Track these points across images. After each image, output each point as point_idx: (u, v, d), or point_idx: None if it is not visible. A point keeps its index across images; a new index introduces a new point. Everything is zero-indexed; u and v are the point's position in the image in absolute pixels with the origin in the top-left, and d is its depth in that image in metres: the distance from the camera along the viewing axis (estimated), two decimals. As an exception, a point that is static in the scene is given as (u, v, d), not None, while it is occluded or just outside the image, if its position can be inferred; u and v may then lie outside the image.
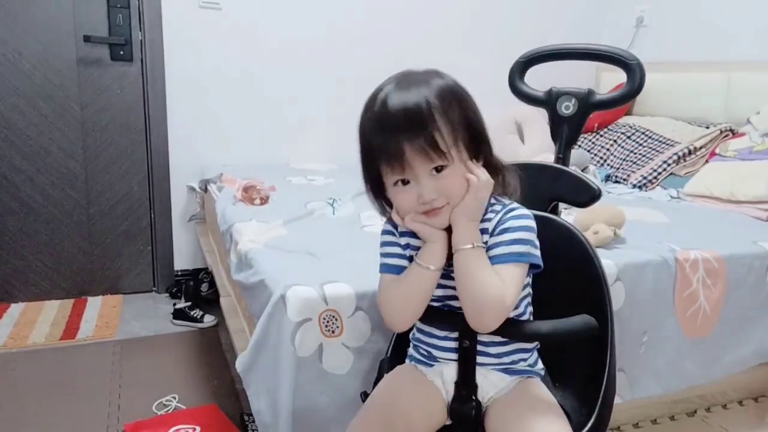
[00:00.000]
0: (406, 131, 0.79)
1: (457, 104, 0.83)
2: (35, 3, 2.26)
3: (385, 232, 0.95)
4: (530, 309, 0.97)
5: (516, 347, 0.94)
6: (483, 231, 0.87)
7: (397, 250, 0.93)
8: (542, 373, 0.98)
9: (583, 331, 0.87)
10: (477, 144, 0.85)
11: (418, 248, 0.90)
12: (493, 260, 0.85)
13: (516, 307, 0.92)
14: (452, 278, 0.88)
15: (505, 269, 0.84)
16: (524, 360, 0.95)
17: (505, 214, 0.88)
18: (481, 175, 0.84)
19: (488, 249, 0.86)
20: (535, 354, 0.98)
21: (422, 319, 0.92)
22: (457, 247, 0.84)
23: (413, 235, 0.91)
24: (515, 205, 0.90)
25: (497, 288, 0.82)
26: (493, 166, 0.88)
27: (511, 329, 0.89)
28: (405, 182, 0.83)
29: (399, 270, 0.91)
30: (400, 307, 0.89)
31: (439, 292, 0.91)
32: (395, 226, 0.93)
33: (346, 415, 1.14)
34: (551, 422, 0.86)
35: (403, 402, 0.91)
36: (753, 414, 1.81)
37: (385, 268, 0.93)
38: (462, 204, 0.84)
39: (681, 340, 1.54)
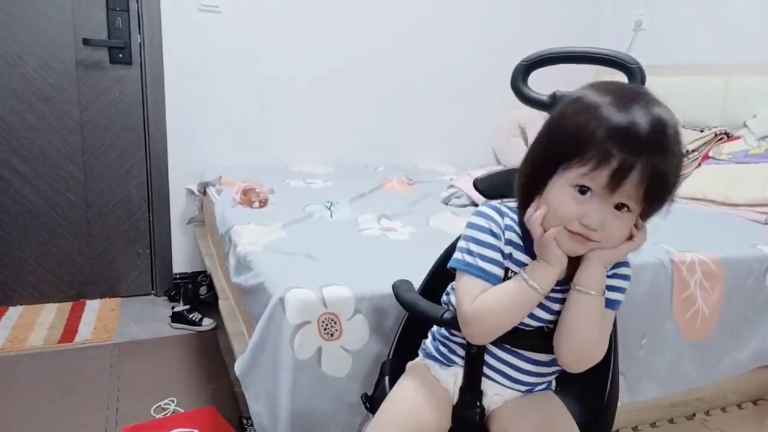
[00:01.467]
0: (650, 150, 0.71)
1: (682, 153, 0.75)
2: (35, 6, 2.26)
3: (485, 230, 0.86)
4: None
5: (535, 381, 0.93)
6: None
7: (498, 256, 0.85)
8: (553, 390, 0.99)
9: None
10: (660, 202, 0.77)
11: (517, 262, 0.85)
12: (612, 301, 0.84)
13: None
14: (542, 308, 0.85)
15: (610, 316, 0.84)
16: (540, 385, 0.96)
17: (620, 266, 0.86)
18: (644, 235, 0.80)
19: (609, 290, 0.84)
20: (553, 380, 0.98)
21: (439, 323, 0.91)
22: (581, 289, 0.80)
23: (525, 250, 0.85)
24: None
25: (602, 347, 0.82)
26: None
27: (519, 339, 0.88)
28: (583, 192, 0.75)
29: (495, 280, 0.84)
30: (499, 321, 0.83)
31: (534, 321, 0.88)
32: (501, 227, 0.86)
33: (344, 418, 1.14)
34: (566, 424, 0.87)
35: (420, 410, 0.91)
36: (752, 417, 1.81)
37: (480, 273, 0.84)
38: (613, 251, 0.79)
39: (680, 343, 1.54)
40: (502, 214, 0.87)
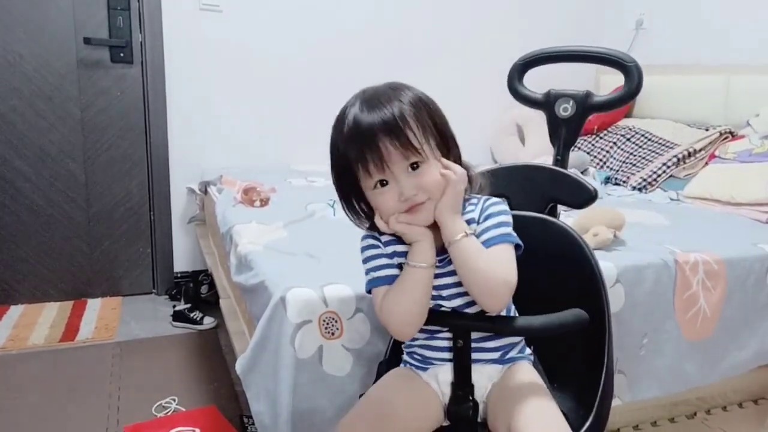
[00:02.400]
0: (382, 132, 0.84)
1: (425, 109, 0.89)
2: (36, 5, 2.26)
3: (367, 247, 0.96)
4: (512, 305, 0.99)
5: (507, 341, 0.96)
6: (470, 221, 0.91)
7: (385, 260, 0.93)
8: (531, 358, 1.00)
9: (575, 325, 0.86)
10: (447, 145, 0.90)
11: (403, 254, 0.92)
12: (486, 244, 0.88)
13: None
14: (441, 276, 0.91)
15: (499, 249, 0.88)
16: (514, 348, 0.97)
17: (485, 202, 0.93)
18: (456, 169, 0.87)
19: (478, 236, 0.90)
20: (522, 340, 1.00)
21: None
22: (451, 240, 0.86)
23: (398, 241, 0.93)
24: (489, 196, 0.95)
25: (502, 266, 0.86)
26: (463, 167, 0.91)
27: (503, 325, 0.89)
28: (383, 184, 0.86)
29: (392, 280, 0.91)
30: (405, 314, 0.88)
31: (447, 292, 0.92)
32: (377, 238, 0.95)
33: (345, 417, 1.14)
34: (539, 405, 0.87)
35: (396, 402, 0.92)
36: (753, 416, 1.80)
37: (377, 282, 0.92)
38: (443, 199, 0.86)
39: (681, 343, 1.54)
40: (373, 231, 0.96)
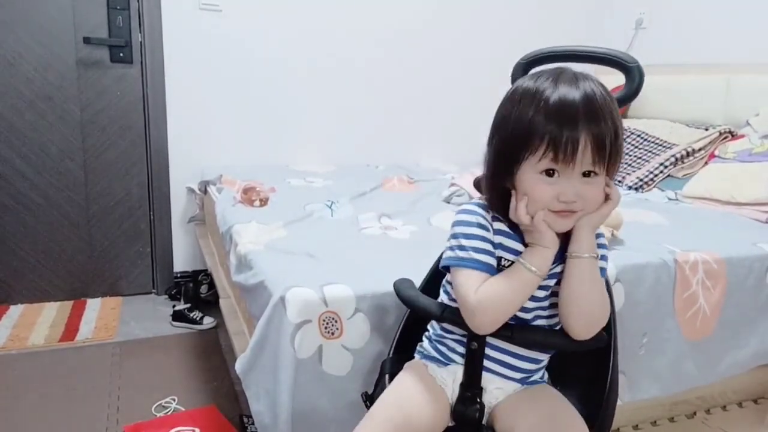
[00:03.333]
0: (586, 121, 0.78)
1: (618, 115, 0.82)
2: (35, 5, 2.26)
3: (474, 224, 0.88)
4: None
5: (534, 367, 0.95)
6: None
7: (489, 247, 0.88)
8: (547, 381, 1.00)
9: (594, 347, 0.87)
10: (615, 165, 0.84)
11: (509, 250, 0.89)
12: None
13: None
14: (544, 289, 0.90)
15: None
16: (535, 373, 0.97)
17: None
18: (618, 191, 0.85)
19: None
20: (544, 367, 1.00)
21: (440, 319, 0.93)
22: (577, 254, 0.84)
23: (509, 236, 0.89)
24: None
25: (606, 309, 0.86)
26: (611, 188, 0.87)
27: (521, 335, 0.89)
28: (550, 174, 0.81)
29: (491, 270, 0.87)
30: (502, 309, 0.85)
31: (530, 305, 0.90)
32: (488, 220, 0.89)
33: (345, 417, 1.14)
34: (575, 419, 0.88)
35: (415, 404, 0.91)
36: (752, 416, 1.81)
37: (477, 264, 0.86)
38: (597, 214, 0.84)
39: (681, 342, 1.54)
40: (486, 209, 0.91)
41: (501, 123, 0.85)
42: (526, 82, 0.84)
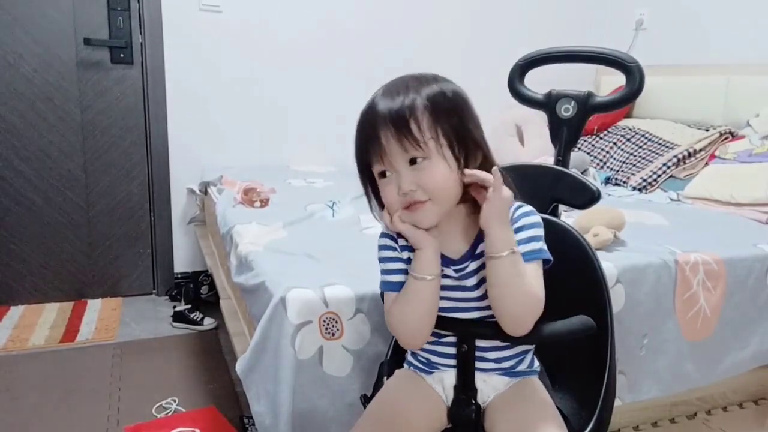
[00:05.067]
0: (385, 121, 0.82)
1: (446, 104, 0.83)
2: (36, 6, 2.26)
3: (384, 247, 0.92)
4: None
5: (515, 351, 0.94)
6: None
7: (399, 265, 0.90)
8: (539, 370, 0.99)
9: (582, 332, 0.87)
10: (466, 147, 0.84)
11: None
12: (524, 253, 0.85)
13: None
14: (458, 289, 0.88)
15: (530, 268, 0.84)
16: (523, 362, 0.96)
17: (515, 211, 0.87)
18: (497, 176, 0.81)
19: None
20: (530, 354, 0.98)
21: None
22: (494, 254, 0.81)
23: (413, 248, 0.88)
24: (520, 203, 0.89)
25: (537, 292, 0.83)
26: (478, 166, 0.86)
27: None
28: (384, 175, 0.85)
29: (401, 287, 0.88)
30: (410, 324, 0.86)
31: (445, 304, 0.89)
32: (394, 239, 0.91)
33: (345, 418, 1.14)
34: (546, 423, 0.86)
35: (404, 407, 0.91)
36: (753, 417, 1.80)
37: (387, 287, 0.90)
38: (488, 205, 0.81)
39: (681, 343, 1.54)
40: (390, 237, 0.92)
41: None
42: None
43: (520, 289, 0.81)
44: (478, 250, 0.88)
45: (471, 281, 0.88)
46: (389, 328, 0.89)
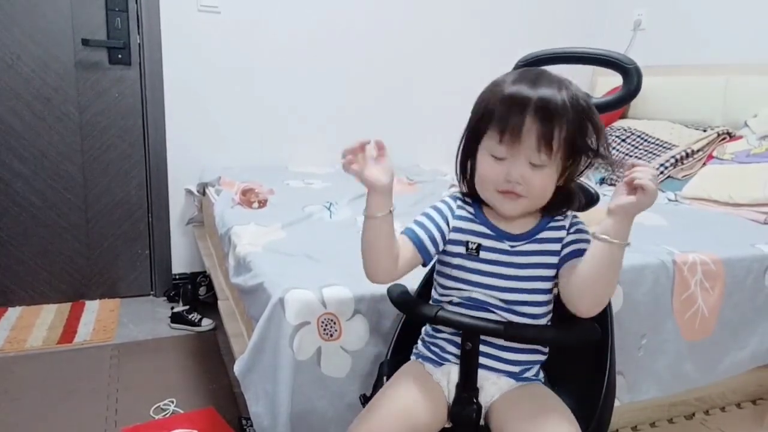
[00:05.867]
0: (534, 113, 0.83)
1: (582, 120, 0.87)
2: (34, 6, 2.26)
3: (435, 209, 0.98)
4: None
5: (529, 359, 0.96)
6: (560, 228, 0.95)
7: (431, 226, 0.95)
8: (542, 381, 1.00)
9: (588, 340, 0.88)
10: (577, 158, 0.89)
11: (473, 233, 0.95)
12: (578, 251, 0.91)
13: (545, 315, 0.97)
14: (509, 265, 0.93)
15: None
16: (528, 370, 0.97)
17: (573, 217, 0.97)
18: (650, 184, 0.80)
19: (576, 242, 0.93)
20: (539, 365, 1.00)
21: (434, 321, 0.93)
22: (616, 241, 0.83)
23: (472, 220, 0.95)
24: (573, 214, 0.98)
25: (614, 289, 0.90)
26: (571, 188, 0.93)
27: (515, 331, 0.89)
28: (499, 159, 0.87)
29: (417, 240, 0.94)
30: (368, 258, 0.92)
31: (488, 281, 0.93)
32: (450, 210, 0.97)
33: (344, 419, 1.14)
34: (560, 419, 0.87)
35: (411, 400, 0.92)
36: (751, 417, 1.81)
37: (407, 231, 0.96)
38: (641, 200, 0.80)
39: (679, 343, 1.54)
40: (455, 199, 1.00)
41: (474, 107, 0.93)
42: (501, 77, 0.91)
43: (615, 279, 0.86)
44: (539, 236, 0.94)
45: (522, 259, 0.93)
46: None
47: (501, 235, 0.94)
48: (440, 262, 0.99)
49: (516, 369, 0.95)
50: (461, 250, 0.95)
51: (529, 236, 0.94)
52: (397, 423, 0.88)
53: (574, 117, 0.85)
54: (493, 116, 0.86)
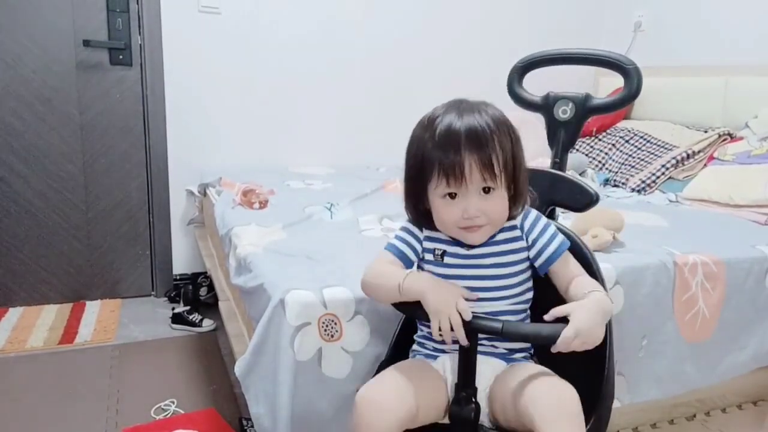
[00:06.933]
0: (469, 148, 0.87)
1: (508, 135, 0.91)
2: (35, 7, 2.26)
3: (407, 230, 1.02)
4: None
5: (516, 346, 1.01)
6: (512, 227, 0.98)
7: (411, 240, 1.01)
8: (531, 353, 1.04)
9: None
10: (516, 174, 0.92)
11: (439, 241, 0.99)
12: (553, 256, 0.96)
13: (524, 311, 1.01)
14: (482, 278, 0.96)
15: (569, 258, 0.97)
16: (517, 351, 1.01)
17: (524, 219, 0.99)
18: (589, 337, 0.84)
19: (540, 253, 0.97)
20: (529, 349, 1.04)
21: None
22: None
23: (449, 243, 0.98)
24: (525, 209, 1.00)
25: None
26: (521, 193, 0.95)
27: (514, 330, 0.89)
28: (452, 197, 0.90)
29: (399, 253, 1.00)
30: (371, 292, 1.00)
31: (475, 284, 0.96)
32: (417, 229, 1.02)
33: (344, 419, 1.14)
34: (553, 380, 0.89)
35: (414, 383, 0.92)
36: (752, 418, 1.81)
37: (391, 247, 1.01)
38: (593, 335, 0.84)
39: (680, 344, 1.54)
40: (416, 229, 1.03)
41: (406, 155, 0.96)
42: (424, 118, 0.95)
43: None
44: (494, 239, 0.97)
45: (480, 261, 0.97)
46: (362, 280, 1.00)
47: (459, 242, 0.98)
48: (419, 267, 1.04)
49: (505, 351, 1.00)
50: (430, 257, 1.00)
51: (487, 241, 0.97)
52: (401, 393, 0.89)
53: (503, 136, 0.89)
54: (433, 163, 0.89)
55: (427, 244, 1.01)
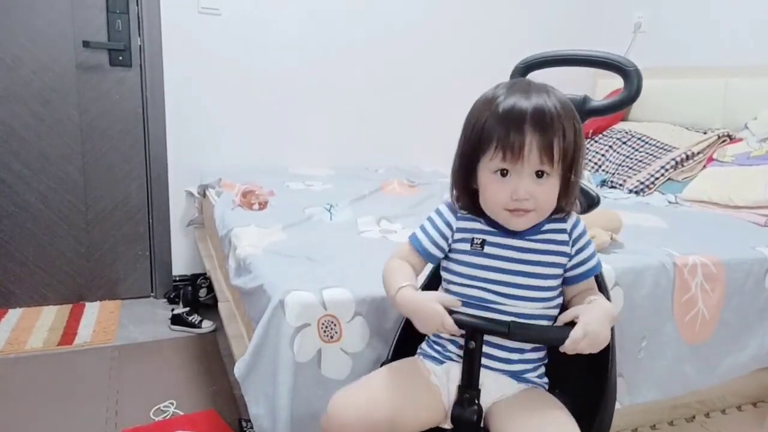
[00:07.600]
0: (532, 126, 0.84)
1: (572, 123, 0.88)
2: (34, 8, 2.26)
3: (439, 213, 1.00)
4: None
5: (522, 357, 0.96)
6: (562, 231, 0.95)
7: (443, 227, 0.98)
8: (546, 387, 1.00)
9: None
10: (573, 165, 0.89)
11: (476, 231, 0.96)
12: (588, 273, 0.97)
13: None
14: (499, 271, 0.93)
15: (593, 283, 0.98)
16: (530, 371, 0.97)
17: (575, 228, 0.97)
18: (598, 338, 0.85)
19: (577, 266, 0.96)
20: (542, 368, 1.00)
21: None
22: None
23: (473, 220, 0.96)
24: (575, 215, 0.98)
25: None
26: (573, 186, 0.92)
27: (520, 331, 0.89)
28: (504, 174, 0.87)
29: (421, 248, 0.98)
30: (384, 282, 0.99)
31: (480, 273, 0.94)
32: (454, 213, 0.98)
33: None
34: (563, 422, 0.87)
35: (394, 389, 0.92)
36: (752, 419, 1.81)
37: (414, 240, 1.00)
38: (600, 337, 0.85)
39: (680, 345, 1.54)
40: (452, 209, 1.00)
41: (464, 127, 0.94)
42: (488, 92, 0.92)
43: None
44: (542, 230, 0.95)
45: (526, 255, 0.94)
46: (386, 262, 1.00)
47: (504, 231, 0.94)
48: (446, 259, 1.00)
49: (513, 368, 0.95)
50: (466, 246, 0.96)
51: (532, 232, 0.94)
52: (373, 403, 0.89)
53: (567, 122, 0.86)
54: (493, 136, 0.86)
55: (461, 233, 0.97)
